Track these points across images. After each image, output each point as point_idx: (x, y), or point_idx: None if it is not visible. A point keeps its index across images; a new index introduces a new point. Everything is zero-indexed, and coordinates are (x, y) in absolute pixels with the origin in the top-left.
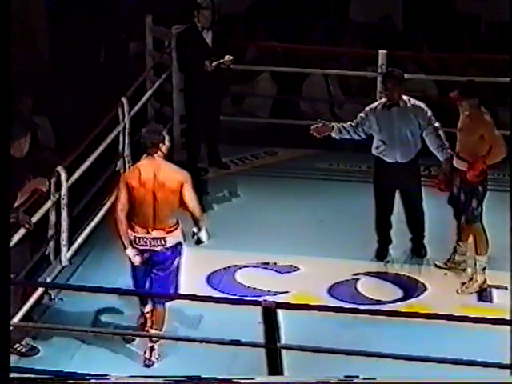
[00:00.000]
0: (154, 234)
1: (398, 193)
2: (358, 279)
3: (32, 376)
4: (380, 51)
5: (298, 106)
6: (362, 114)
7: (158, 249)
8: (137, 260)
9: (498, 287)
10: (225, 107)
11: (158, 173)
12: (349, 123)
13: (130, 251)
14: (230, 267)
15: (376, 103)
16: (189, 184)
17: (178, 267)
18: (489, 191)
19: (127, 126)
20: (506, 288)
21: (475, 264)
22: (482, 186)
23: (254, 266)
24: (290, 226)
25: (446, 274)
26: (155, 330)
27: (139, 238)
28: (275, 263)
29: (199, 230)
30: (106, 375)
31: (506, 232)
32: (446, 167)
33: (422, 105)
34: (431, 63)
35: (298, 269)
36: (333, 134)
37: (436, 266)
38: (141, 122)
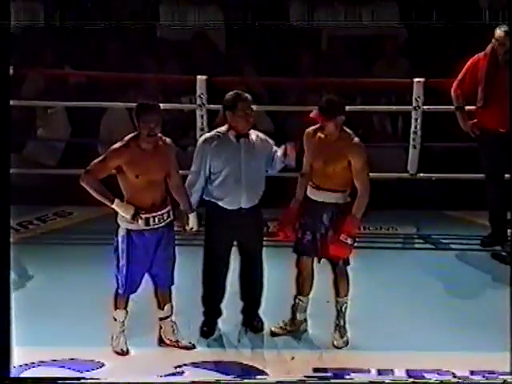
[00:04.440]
0: None
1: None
2: (182, 372)
3: (32, 376)
4: (198, 77)
5: (95, 150)
6: (197, 154)
7: None
8: None
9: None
10: None
11: None
12: (194, 172)
13: None
14: (14, 367)
15: (211, 133)
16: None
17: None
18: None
19: None
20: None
21: (340, 308)
22: None
23: (43, 365)
24: (92, 307)
25: (293, 358)
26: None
27: None
28: (72, 359)
29: None
30: None
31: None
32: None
33: (263, 135)
34: (261, 90)
35: (104, 364)
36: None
37: (272, 333)
38: None
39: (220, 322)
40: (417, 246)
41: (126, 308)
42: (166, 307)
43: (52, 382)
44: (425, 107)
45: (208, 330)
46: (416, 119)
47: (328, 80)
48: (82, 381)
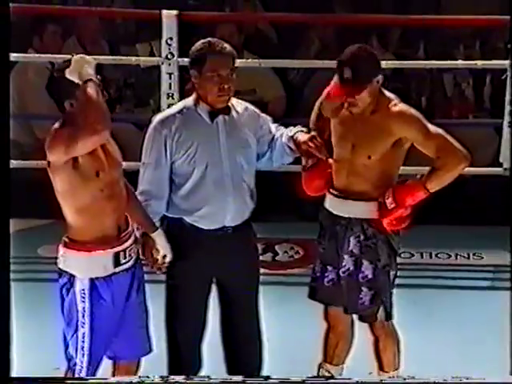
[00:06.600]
0: None
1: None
2: None
3: (32, 376)
4: (165, 12)
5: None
6: (150, 144)
7: None
8: None
9: None
10: None
11: None
12: (152, 179)
13: None
14: None
15: (171, 110)
16: None
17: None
18: None
19: None
20: None
21: None
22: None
23: None
24: None
25: None
26: None
27: None
28: None
29: None
30: None
31: None
32: (306, 142)
33: (254, 108)
34: (267, 33)
35: None
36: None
37: None
38: None
39: None
40: None
41: None
42: None
43: (58, 382)
44: None
45: None
46: None
47: (373, 17)
48: (89, 381)
